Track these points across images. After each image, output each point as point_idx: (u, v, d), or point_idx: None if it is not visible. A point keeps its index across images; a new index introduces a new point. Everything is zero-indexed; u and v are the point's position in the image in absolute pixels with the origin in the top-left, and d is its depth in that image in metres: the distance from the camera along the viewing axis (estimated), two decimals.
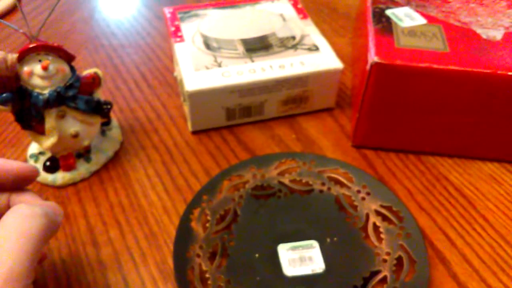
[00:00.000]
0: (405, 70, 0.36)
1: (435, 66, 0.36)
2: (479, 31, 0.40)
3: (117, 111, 0.46)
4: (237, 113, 0.44)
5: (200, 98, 0.41)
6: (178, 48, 0.45)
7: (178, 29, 0.47)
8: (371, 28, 0.40)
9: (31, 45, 0.33)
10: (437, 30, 0.40)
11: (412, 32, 0.39)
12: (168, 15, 0.49)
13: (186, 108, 0.44)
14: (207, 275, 0.31)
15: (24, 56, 0.33)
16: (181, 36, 0.46)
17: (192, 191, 0.38)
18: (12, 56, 0.33)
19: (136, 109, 0.47)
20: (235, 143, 0.43)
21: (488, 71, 0.35)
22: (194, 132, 0.44)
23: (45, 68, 0.33)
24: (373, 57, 0.36)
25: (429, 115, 0.39)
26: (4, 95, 0.33)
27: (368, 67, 0.37)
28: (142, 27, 0.59)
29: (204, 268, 0.32)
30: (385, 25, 0.40)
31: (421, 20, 0.41)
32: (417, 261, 0.32)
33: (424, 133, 0.40)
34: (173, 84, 0.50)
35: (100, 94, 0.39)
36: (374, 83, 0.37)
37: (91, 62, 0.53)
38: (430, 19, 0.41)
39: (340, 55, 0.44)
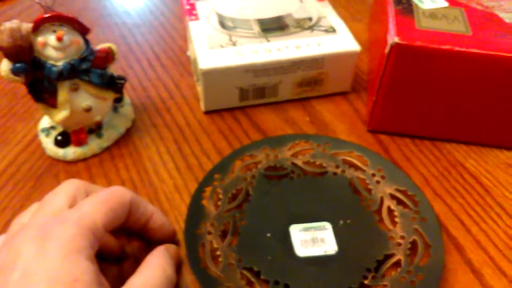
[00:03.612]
0: (425, 52, 0.35)
1: (456, 48, 0.35)
2: (502, 15, 0.38)
3: (130, 89, 0.46)
4: (251, 94, 0.43)
5: (214, 76, 0.41)
6: (193, 27, 0.44)
7: (193, 7, 0.47)
8: (391, 9, 0.39)
9: (45, 15, 0.33)
10: (459, 13, 0.39)
11: (433, 14, 0.38)
12: None
13: (199, 88, 0.43)
14: (218, 252, 0.31)
15: (38, 26, 0.33)
16: (196, 15, 0.46)
17: (204, 170, 0.38)
18: (27, 26, 0.32)
19: (148, 87, 0.46)
20: (248, 124, 0.42)
21: (510, 55, 0.34)
22: (207, 112, 0.43)
23: (59, 39, 0.33)
24: (393, 37, 0.35)
25: (448, 100, 0.38)
26: (17, 65, 0.33)
27: (387, 48, 0.36)
28: (155, 7, 0.59)
29: (215, 245, 0.31)
30: (406, 7, 0.39)
31: (443, 3, 0.40)
32: (432, 245, 0.31)
33: (441, 119, 0.39)
34: (186, 64, 0.49)
35: (113, 72, 0.38)
36: (393, 65, 0.36)
37: (104, 40, 0.52)
38: (452, 2, 0.40)
39: (356, 39, 0.43)
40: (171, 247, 0.30)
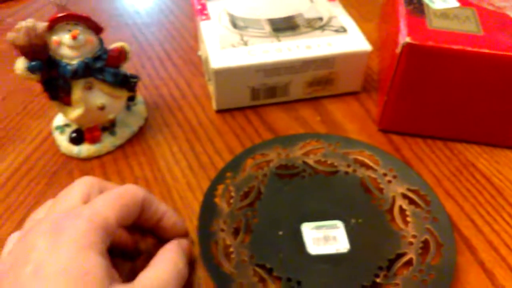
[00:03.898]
0: (437, 52, 0.35)
1: (468, 48, 0.35)
2: None
3: (142, 88, 0.46)
4: (262, 93, 0.43)
5: (225, 76, 0.41)
6: (204, 26, 0.44)
7: (204, 7, 0.47)
8: (402, 9, 0.39)
9: (60, 14, 0.33)
10: (470, 13, 0.39)
11: (444, 14, 0.38)
12: None
13: (211, 88, 0.43)
14: (230, 249, 0.31)
15: (53, 25, 0.33)
16: (207, 14, 0.46)
17: (216, 169, 0.38)
18: (42, 25, 0.33)
19: (160, 86, 0.47)
20: (259, 123, 0.43)
21: None
22: (218, 111, 0.44)
23: (74, 37, 0.33)
24: (405, 37, 0.35)
25: (459, 100, 0.38)
26: (33, 63, 0.33)
27: (399, 48, 0.36)
28: (166, 6, 0.59)
29: (228, 242, 0.31)
30: (417, 7, 0.39)
31: (454, 3, 0.40)
32: (444, 245, 0.31)
33: (453, 119, 0.39)
34: (197, 63, 0.50)
35: (126, 71, 0.39)
36: (404, 65, 0.36)
37: (116, 40, 0.52)
38: (463, 2, 0.40)
39: (367, 39, 0.43)
40: (184, 241, 0.30)
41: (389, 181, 0.36)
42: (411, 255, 0.31)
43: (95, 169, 0.38)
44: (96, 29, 0.35)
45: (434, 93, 0.38)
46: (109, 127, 0.39)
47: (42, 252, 0.23)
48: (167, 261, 0.27)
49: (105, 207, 0.26)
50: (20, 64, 0.34)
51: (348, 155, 0.38)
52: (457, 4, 0.40)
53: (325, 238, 0.32)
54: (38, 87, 0.36)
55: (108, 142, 0.39)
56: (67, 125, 0.40)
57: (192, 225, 0.34)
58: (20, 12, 0.58)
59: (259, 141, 0.40)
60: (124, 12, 0.59)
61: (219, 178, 0.35)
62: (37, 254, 0.23)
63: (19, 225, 0.34)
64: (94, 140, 0.38)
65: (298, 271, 0.30)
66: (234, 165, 0.36)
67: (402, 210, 0.34)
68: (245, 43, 0.42)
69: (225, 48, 0.42)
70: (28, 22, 0.33)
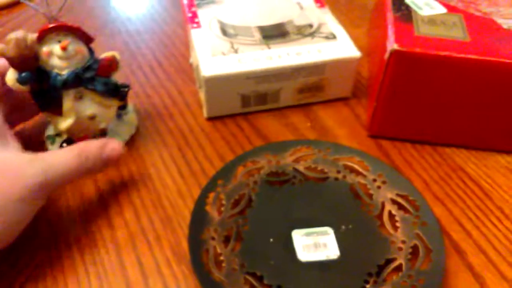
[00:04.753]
0: (424, 58, 0.36)
1: (455, 54, 0.35)
2: (500, 21, 0.39)
3: (133, 96, 0.46)
4: (253, 100, 0.43)
5: (216, 83, 0.41)
6: (195, 34, 0.45)
7: (195, 15, 0.47)
8: (390, 16, 0.39)
9: (50, 25, 0.33)
10: (457, 19, 0.39)
11: (432, 20, 0.39)
12: (185, 1, 0.49)
13: (202, 95, 0.44)
14: (221, 258, 0.31)
15: (43, 36, 0.33)
16: (197, 22, 0.46)
17: (207, 176, 0.38)
18: (32, 36, 0.33)
19: (151, 94, 0.47)
20: (250, 130, 0.43)
21: (509, 61, 0.35)
22: (209, 119, 0.44)
23: (64, 49, 0.33)
24: (392, 44, 0.36)
25: (448, 105, 0.38)
26: (23, 74, 0.33)
27: (387, 55, 0.36)
28: (158, 14, 0.59)
29: (218, 250, 0.32)
30: (405, 13, 0.40)
31: (441, 9, 0.40)
32: (433, 250, 0.32)
33: (442, 124, 0.40)
34: (188, 71, 0.50)
35: (116, 79, 0.39)
36: (392, 71, 0.37)
37: (108, 47, 0.53)
38: (450, 9, 0.40)
39: (356, 45, 0.43)
40: (106, 143, 0.35)
41: (379, 187, 0.36)
42: (400, 260, 0.31)
43: (86, 178, 0.38)
44: (86, 39, 0.36)
45: (422, 99, 0.38)
46: (100, 136, 0.39)
47: None
48: (72, 148, 0.33)
49: None
50: (10, 75, 0.34)
51: (338, 161, 0.38)
52: (444, 10, 0.40)
53: (315, 245, 0.32)
54: (28, 97, 0.36)
55: None
56: (58, 135, 0.40)
57: (183, 233, 0.34)
58: (10, 22, 0.58)
59: (250, 148, 0.41)
60: (117, 19, 0.59)
61: (210, 185, 0.36)
62: None
63: None
64: None
65: (289, 279, 0.30)
66: (225, 172, 0.37)
67: (391, 216, 0.34)
68: (236, 51, 0.43)
69: (215, 56, 0.42)
70: (18, 34, 0.33)
